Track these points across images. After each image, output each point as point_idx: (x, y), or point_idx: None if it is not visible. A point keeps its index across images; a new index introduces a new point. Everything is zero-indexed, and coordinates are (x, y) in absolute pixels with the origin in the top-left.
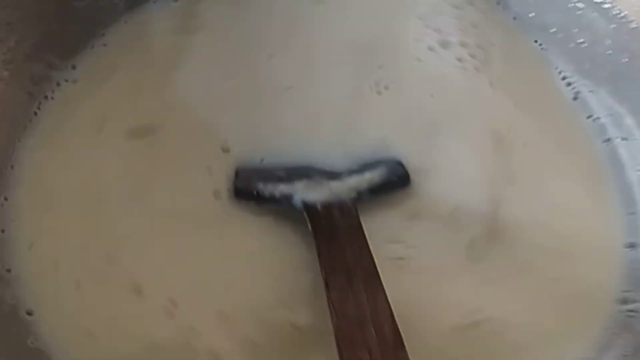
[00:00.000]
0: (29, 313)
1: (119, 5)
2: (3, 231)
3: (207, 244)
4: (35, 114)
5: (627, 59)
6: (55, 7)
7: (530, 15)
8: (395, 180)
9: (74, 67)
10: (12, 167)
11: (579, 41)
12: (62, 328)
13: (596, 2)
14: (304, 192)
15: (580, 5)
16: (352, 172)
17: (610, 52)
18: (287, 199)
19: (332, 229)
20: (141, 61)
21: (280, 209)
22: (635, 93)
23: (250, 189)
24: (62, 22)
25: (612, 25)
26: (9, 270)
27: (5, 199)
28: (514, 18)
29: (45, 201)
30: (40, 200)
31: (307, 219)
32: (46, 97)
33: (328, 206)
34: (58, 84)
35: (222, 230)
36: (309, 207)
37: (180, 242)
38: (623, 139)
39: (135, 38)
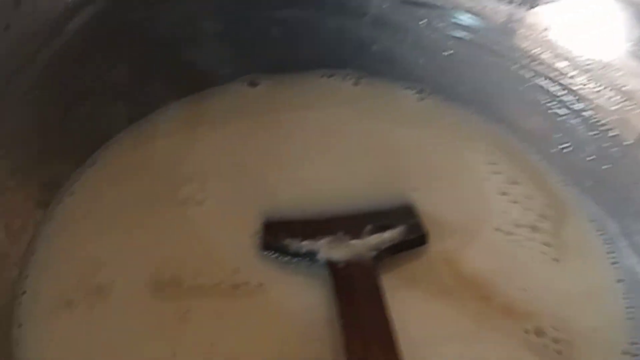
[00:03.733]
0: None
1: (122, 114)
2: None
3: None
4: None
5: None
6: (59, 117)
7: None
8: (414, 239)
9: (78, 178)
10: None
11: (561, 147)
12: None
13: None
14: (327, 250)
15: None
16: (373, 230)
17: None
18: (311, 255)
19: (353, 290)
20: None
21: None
22: (618, 199)
23: (277, 244)
24: (65, 130)
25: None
26: None
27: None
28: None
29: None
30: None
31: (330, 277)
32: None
33: (349, 264)
34: (66, 192)
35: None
36: (331, 265)
37: None
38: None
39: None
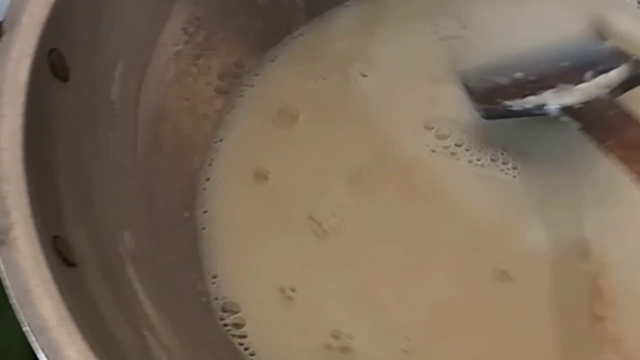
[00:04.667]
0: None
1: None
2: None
3: None
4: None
5: None
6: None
7: None
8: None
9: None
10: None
11: None
12: None
13: None
14: (557, 99)
15: None
16: (595, 74)
17: None
18: (539, 107)
19: (604, 122)
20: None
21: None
22: None
23: (499, 109)
24: (249, 17)
25: None
26: None
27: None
28: None
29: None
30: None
31: (572, 120)
32: (236, 94)
33: (587, 104)
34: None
35: None
36: (569, 110)
37: None
38: None
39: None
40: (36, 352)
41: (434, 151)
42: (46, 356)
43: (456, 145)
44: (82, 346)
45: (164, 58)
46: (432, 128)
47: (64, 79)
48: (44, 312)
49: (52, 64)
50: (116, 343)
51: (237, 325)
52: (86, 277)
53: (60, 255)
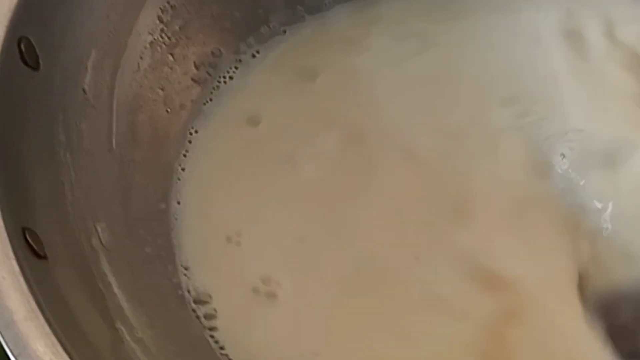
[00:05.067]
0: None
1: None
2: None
3: None
4: (205, 103)
5: None
6: None
7: None
8: None
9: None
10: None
11: None
12: None
13: None
14: None
15: None
16: None
17: None
18: None
19: None
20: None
21: None
22: None
23: None
24: (226, 5)
25: None
26: None
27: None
28: None
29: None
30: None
31: None
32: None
33: None
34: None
35: None
36: None
37: None
38: None
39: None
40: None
41: None
42: (11, 351)
43: None
44: (50, 340)
45: (139, 47)
46: None
47: (35, 67)
48: (11, 305)
49: (21, 53)
50: (86, 337)
51: (209, 316)
52: (56, 270)
53: (30, 247)
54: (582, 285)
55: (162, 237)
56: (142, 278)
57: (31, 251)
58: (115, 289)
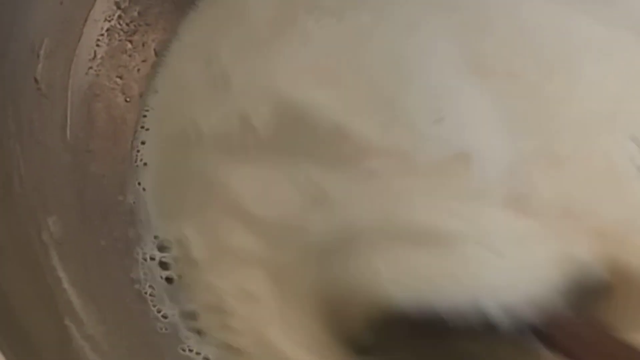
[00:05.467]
0: None
1: None
2: None
3: None
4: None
5: None
6: None
7: None
8: None
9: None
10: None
11: None
12: None
13: None
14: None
15: None
16: None
17: None
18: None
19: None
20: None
21: None
22: None
23: None
24: None
25: None
26: None
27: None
28: None
29: None
30: None
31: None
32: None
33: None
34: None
35: None
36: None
37: None
38: None
39: None
40: None
41: None
42: None
43: None
44: None
45: (95, 34)
46: None
47: None
48: None
49: None
50: (29, 336)
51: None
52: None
53: None
54: None
55: (118, 230)
56: (96, 272)
57: None
58: (66, 285)
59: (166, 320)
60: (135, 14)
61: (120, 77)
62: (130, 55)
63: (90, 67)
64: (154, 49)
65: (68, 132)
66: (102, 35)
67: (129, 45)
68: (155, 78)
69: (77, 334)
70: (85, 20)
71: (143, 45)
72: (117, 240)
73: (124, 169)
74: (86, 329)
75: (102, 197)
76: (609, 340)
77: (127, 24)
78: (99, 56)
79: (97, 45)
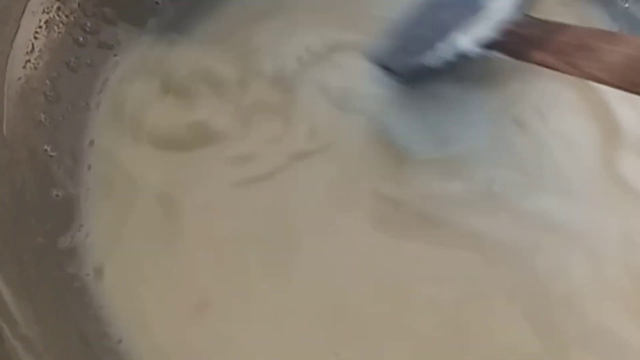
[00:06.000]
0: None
1: None
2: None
3: None
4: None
5: None
6: None
7: None
8: None
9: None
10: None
11: None
12: None
13: None
14: (468, 37)
15: None
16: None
17: None
18: (455, 54)
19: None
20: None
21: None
22: None
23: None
24: None
25: None
26: None
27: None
28: None
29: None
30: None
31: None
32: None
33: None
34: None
35: None
36: (486, 44)
37: None
38: None
39: None
40: None
41: None
42: None
43: None
44: None
45: (33, 27)
46: None
47: None
48: None
49: None
50: None
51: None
52: None
53: None
54: None
55: (57, 226)
56: (32, 272)
57: None
58: None
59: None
60: (75, 4)
61: (58, 71)
62: (70, 49)
63: (28, 61)
64: (96, 43)
65: (4, 127)
66: (40, 27)
67: (68, 38)
68: None
69: (11, 334)
70: (22, 13)
71: (83, 37)
72: (54, 238)
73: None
74: (20, 329)
75: (39, 194)
76: (559, 29)
77: (67, 16)
78: (37, 49)
79: (35, 39)
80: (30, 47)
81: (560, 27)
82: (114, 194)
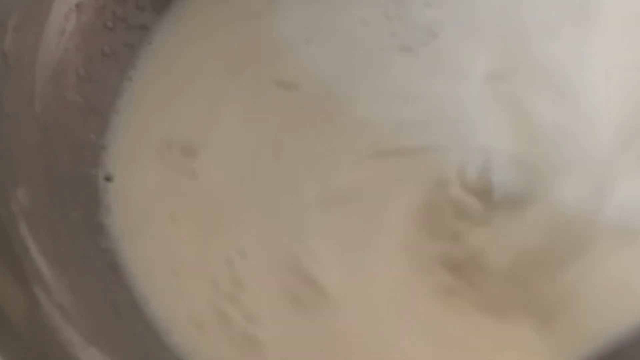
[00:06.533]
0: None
1: None
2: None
3: None
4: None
5: None
6: None
7: None
8: None
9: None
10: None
11: None
12: None
13: None
14: None
15: None
16: None
17: None
18: None
19: None
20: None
21: None
22: None
23: None
24: None
25: None
26: None
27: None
28: None
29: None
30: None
31: None
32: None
33: None
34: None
35: None
36: None
37: None
38: None
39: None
40: None
41: None
42: None
43: None
44: None
45: (65, 9)
46: None
47: None
48: None
49: None
50: None
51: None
52: None
53: None
54: None
55: (91, 202)
56: (66, 244)
57: None
58: (35, 254)
59: None
60: None
61: (89, 53)
62: (100, 31)
63: (59, 42)
64: (125, 26)
65: (37, 105)
66: (71, 10)
67: (98, 21)
68: None
69: (47, 301)
70: None
71: (113, 20)
72: (87, 213)
73: (96, 142)
74: (55, 297)
75: (72, 171)
76: None
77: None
78: (68, 31)
79: (67, 21)
80: (62, 30)
81: None
82: None
